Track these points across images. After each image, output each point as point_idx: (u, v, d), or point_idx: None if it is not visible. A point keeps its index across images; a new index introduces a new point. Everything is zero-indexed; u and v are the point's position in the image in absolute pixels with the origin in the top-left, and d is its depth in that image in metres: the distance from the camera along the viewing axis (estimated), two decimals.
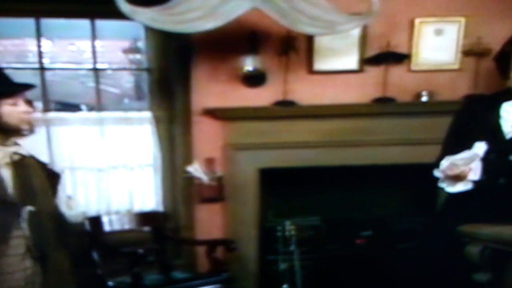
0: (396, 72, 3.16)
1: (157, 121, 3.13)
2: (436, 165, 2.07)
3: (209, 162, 3.21)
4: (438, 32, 3.13)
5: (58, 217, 2.10)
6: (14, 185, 1.94)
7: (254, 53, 3.05)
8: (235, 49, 3.06)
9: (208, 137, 3.19)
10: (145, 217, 3.17)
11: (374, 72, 3.16)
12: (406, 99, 3.18)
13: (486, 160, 1.94)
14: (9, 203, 1.90)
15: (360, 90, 3.17)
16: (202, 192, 3.22)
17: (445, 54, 3.15)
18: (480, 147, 1.95)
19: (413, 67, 3.17)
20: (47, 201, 2.06)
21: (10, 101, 1.93)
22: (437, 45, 3.14)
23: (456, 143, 2.05)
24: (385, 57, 3.09)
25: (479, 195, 1.96)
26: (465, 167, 1.91)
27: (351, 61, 3.14)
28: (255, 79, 3.11)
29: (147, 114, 3.17)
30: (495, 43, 2.55)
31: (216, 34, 2.76)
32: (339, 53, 3.12)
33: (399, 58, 3.12)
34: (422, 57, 3.15)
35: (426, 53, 3.14)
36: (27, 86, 2.06)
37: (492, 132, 1.96)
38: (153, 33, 2.95)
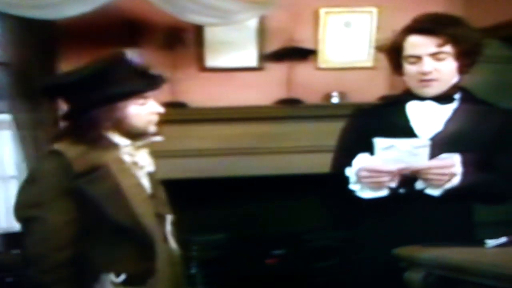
0: (302, 70, 2.92)
1: (20, 125, 2.75)
2: (337, 174, 1.76)
3: None
4: (348, 25, 2.84)
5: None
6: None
7: (133, 46, 2.65)
8: (110, 41, 2.66)
9: None
10: (13, 239, 2.79)
11: (276, 70, 2.91)
12: (315, 101, 2.95)
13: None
14: (161, 216, 1.64)
15: (261, 90, 2.91)
16: None
17: (356, 50, 2.89)
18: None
19: (321, 64, 2.92)
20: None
21: (140, 100, 1.54)
22: (347, 40, 2.88)
23: (355, 151, 1.73)
24: (288, 53, 2.84)
25: (394, 207, 1.67)
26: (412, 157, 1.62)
27: (249, 57, 2.86)
28: None
29: (7, 117, 2.79)
30: None
31: (86, 22, 2.50)
32: (235, 47, 2.85)
33: (304, 54, 2.87)
34: (330, 53, 2.90)
35: (335, 49, 2.90)
36: (161, 79, 1.64)
37: (406, 136, 1.69)
38: (9, 20, 2.59)
